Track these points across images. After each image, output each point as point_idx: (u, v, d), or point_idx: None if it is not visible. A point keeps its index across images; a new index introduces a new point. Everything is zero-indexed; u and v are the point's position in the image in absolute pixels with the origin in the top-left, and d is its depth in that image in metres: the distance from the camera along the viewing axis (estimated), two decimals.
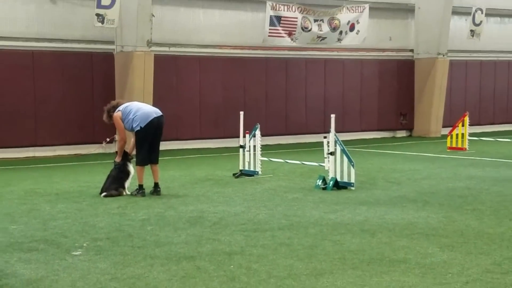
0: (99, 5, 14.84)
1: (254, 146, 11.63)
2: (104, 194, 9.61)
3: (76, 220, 7.90)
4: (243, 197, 9.50)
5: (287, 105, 18.45)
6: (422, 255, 6.12)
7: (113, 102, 10.14)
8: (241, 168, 11.80)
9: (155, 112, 9.73)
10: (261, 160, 11.76)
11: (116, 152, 10.04)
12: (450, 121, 18.89)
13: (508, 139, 17.33)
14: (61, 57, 15.55)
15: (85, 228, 7.42)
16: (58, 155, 15.48)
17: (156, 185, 9.75)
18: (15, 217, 8.09)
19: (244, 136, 11.80)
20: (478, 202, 8.88)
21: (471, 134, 16.33)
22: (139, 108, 9.70)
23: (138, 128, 9.52)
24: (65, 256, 6.21)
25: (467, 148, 15.74)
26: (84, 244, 6.66)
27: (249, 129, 11.82)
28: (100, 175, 10.41)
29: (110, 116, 9.85)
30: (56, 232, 7.23)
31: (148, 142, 9.64)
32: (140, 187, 9.61)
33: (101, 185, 9.85)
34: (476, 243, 6.59)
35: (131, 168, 9.86)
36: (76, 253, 6.31)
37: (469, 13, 20.45)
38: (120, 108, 9.76)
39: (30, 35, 15.26)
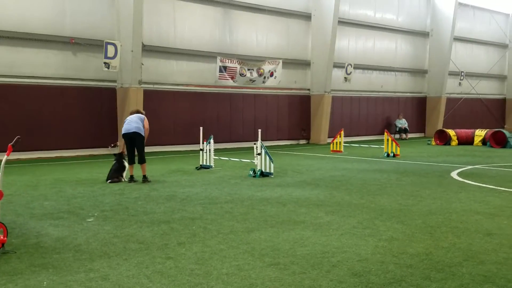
0: (106, 57, 14.46)
1: (209, 149, 11.56)
2: (109, 181, 9.36)
3: (90, 198, 7.67)
4: (202, 182, 9.42)
5: (230, 123, 18.37)
6: (314, 218, 6.23)
7: (133, 110, 9.84)
8: (201, 163, 11.69)
9: (127, 129, 9.25)
10: (214, 158, 11.69)
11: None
12: (332, 133, 19.27)
13: (366, 145, 17.88)
14: (80, 90, 14.97)
15: (96, 203, 7.21)
16: (78, 155, 14.90)
17: (144, 176, 9.47)
18: (47, 196, 7.79)
19: (203, 143, 11.70)
20: (349, 184, 9.11)
21: (345, 142, 16.73)
22: (126, 123, 9.39)
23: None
24: (82, 222, 6.01)
25: (343, 151, 16.04)
26: (95, 214, 6.47)
27: (206, 138, 11.72)
28: (106, 168, 10.12)
29: None
30: (76, 206, 7.01)
31: (128, 148, 9.39)
32: (131, 177, 9.39)
33: (107, 174, 9.58)
34: (348, 209, 6.76)
35: (126, 163, 9.62)
36: (90, 220, 6.12)
37: (343, 66, 20.95)
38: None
39: (59, 75, 14.62)
